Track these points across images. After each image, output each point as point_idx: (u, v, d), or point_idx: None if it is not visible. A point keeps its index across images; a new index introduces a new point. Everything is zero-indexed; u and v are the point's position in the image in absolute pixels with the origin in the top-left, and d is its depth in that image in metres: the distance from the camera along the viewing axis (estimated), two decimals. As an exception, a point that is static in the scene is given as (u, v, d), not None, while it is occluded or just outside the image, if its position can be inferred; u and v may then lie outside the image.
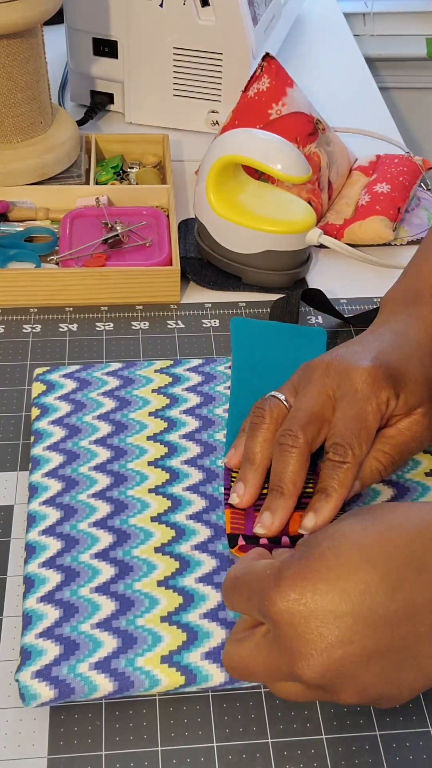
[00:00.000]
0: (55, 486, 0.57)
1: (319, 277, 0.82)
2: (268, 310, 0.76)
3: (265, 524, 0.51)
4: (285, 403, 0.55)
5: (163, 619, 0.50)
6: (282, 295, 0.76)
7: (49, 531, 0.55)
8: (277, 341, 0.67)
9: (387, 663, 0.40)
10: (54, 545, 0.54)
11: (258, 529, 0.52)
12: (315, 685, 0.41)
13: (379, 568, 0.40)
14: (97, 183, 0.89)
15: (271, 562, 0.44)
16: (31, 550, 0.54)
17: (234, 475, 0.57)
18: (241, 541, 0.52)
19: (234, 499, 0.54)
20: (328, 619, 0.39)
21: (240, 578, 0.44)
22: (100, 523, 0.55)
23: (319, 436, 0.53)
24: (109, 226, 0.81)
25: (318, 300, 0.75)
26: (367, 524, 0.42)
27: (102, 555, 0.53)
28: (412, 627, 0.40)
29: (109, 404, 0.63)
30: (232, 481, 0.56)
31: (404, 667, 0.40)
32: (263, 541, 0.52)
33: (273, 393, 0.56)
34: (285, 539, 0.52)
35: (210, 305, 0.77)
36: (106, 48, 0.99)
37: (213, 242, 0.78)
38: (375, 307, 0.77)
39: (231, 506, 0.54)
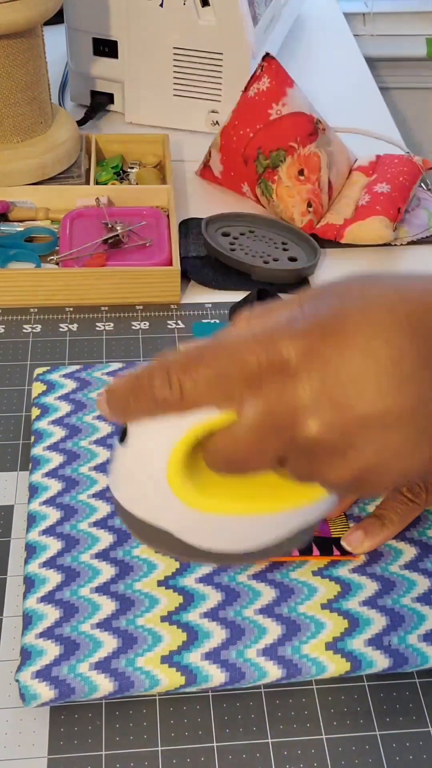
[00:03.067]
0: (55, 486, 0.57)
1: (319, 277, 0.82)
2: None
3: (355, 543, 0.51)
4: None
5: (163, 619, 0.50)
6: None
7: (49, 531, 0.54)
8: None
9: (408, 434, 0.35)
10: (54, 545, 0.54)
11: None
12: (317, 444, 0.35)
13: (415, 337, 0.34)
14: (97, 183, 0.89)
15: (255, 328, 0.36)
16: (31, 550, 0.54)
17: None
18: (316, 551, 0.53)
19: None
20: (349, 377, 0.34)
21: (206, 348, 0.36)
22: (101, 523, 0.55)
23: None
24: (109, 226, 0.81)
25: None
26: (399, 287, 0.36)
27: (102, 555, 0.53)
28: None
29: (109, 404, 0.63)
30: None
31: (420, 446, 0.35)
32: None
33: None
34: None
35: (210, 305, 0.77)
36: (106, 48, 0.99)
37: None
38: None
39: None
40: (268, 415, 0.35)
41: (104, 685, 0.47)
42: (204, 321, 0.75)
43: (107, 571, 0.52)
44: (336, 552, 0.53)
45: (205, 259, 0.81)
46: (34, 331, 0.74)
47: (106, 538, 0.54)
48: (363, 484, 0.36)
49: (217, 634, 0.49)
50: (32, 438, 0.61)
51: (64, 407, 0.63)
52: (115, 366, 0.66)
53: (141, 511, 0.41)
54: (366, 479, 0.36)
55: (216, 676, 0.48)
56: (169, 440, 0.37)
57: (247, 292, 0.78)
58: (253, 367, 0.35)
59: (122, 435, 0.39)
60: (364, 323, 0.34)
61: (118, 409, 0.38)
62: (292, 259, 0.82)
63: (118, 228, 0.80)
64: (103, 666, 0.48)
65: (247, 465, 0.37)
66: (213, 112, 0.99)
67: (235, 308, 0.73)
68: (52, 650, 0.48)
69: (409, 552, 0.54)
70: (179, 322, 0.75)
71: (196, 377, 0.35)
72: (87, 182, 0.88)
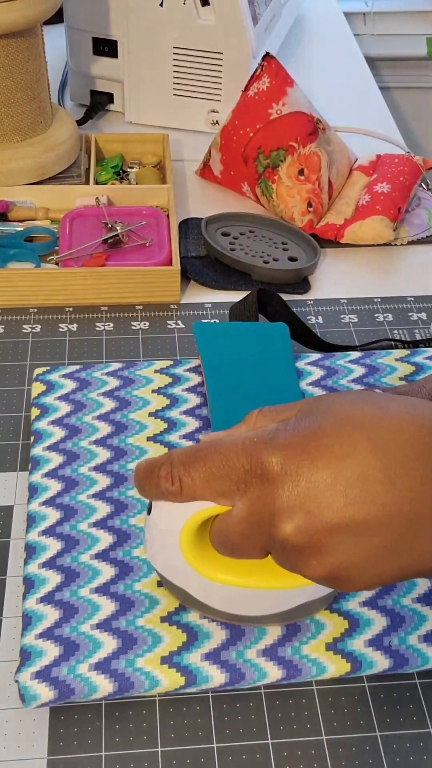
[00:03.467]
0: (55, 486, 0.57)
1: (319, 277, 0.82)
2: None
3: None
4: None
5: (163, 620, 0.50)
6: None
7: (49, 531, 0.54)
8: (243, 340, 0.67)
9: (376, 543, 0.39)
10: (54, 546, 0.54)
11: None
12: (290, 544, 0.39)
13: (384, 458, 0.38)
14: (96, 183, 0.89)
15: (247, 434, 0.41)
16: (31, 550, 0.54)
17: None
18: None
19: None
20: (319, 488, 0.38)
21: (205, 450, 0.41)
22: (100, 524, 0.55)
23: None
24: (109, 225, 0.81)
25: (273, 305, 0.72)
26: (375, 410, 0.40)
27: (102, 555, 0.53)
28: (406, 520, 0.38)
29: (109, 404, 0.63)
30: None
31: (388, 555, 0.39)
32: None
33: None
34: None
35: (210, 305, 0.77)
36: (105, 47, 0.99)
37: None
38: (353, 344, 0.75)
39: None
40: (251, 514, 0.40)
41: (104, 685, 0.47)
42: (204, 321, 0.75)
43: (107, 571, 0.52)
44: None
45: (204, 258, 0.81)
46: (33, 331, 0.74)
47: (105, 539, 0.54)
48: (339, 582, 0.40)
49: (217, 634, 0.49)
50: (32, 438, 0.61)
51: (64, 407, 0.62)
52: (115, 366, 0.66)
53: (163, 570, 0.49)
54: (340, 578, 0.40)
55: (216, 676, 0.48)
56: (180, 520, 0.44)
57: (247, 292, 0.78)
58: (240, 473, 0.40)
59: (149, 507, 0.46)
60: (337, 444, 0.39)
61: (138, 488, 0.44)
62: (292, 259, 0.82)
63: (118, 228, 0.80)
64: (102, 667, 0.48)
65: (238, 551, 0.42)
66: (213, 111, 0.99)
67: (234, 308, 0.73)
68: (51, 651, 0.48)
69: None
70: (179, 322, 0.75)
71: (193, 474, 0.42)
72: (87, 182, 0.88)
